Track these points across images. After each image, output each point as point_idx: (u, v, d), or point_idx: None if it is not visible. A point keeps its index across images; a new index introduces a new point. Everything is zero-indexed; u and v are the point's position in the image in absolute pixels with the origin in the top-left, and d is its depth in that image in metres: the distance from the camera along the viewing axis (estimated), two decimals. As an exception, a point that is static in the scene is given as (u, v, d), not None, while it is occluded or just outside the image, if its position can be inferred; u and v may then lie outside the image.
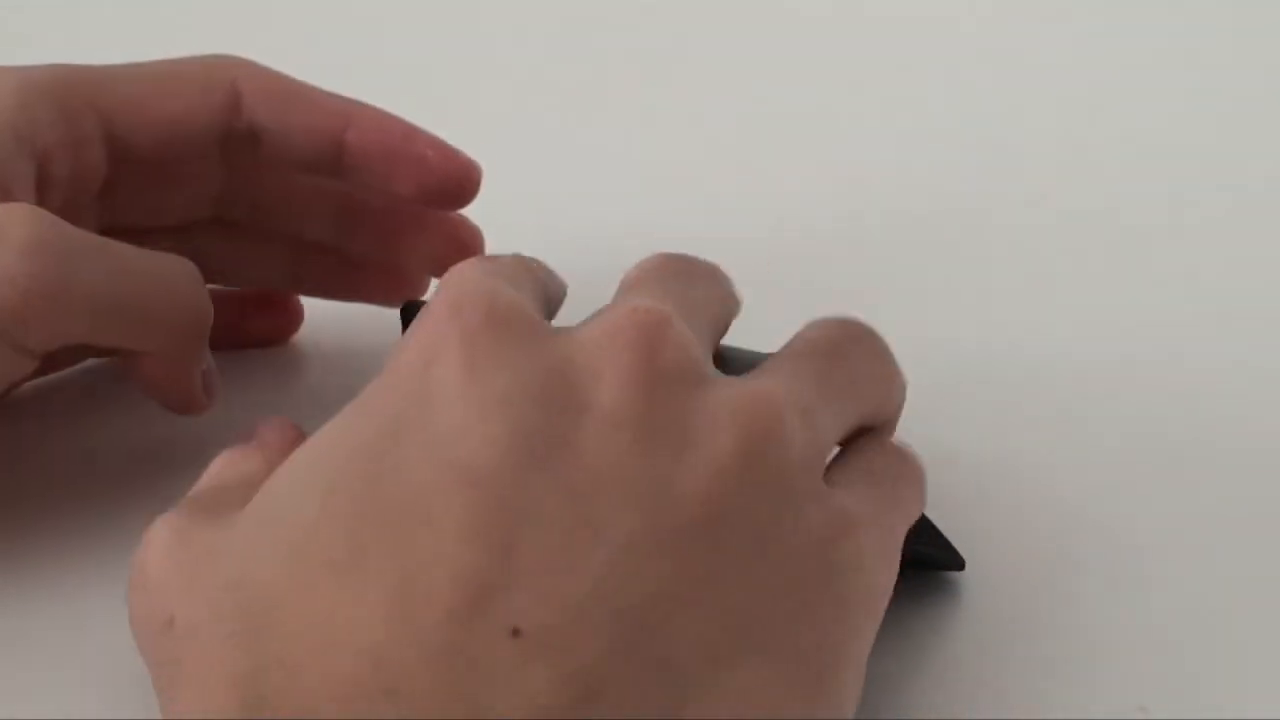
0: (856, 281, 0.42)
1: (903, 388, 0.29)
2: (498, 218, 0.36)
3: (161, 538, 0.25)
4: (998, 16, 0.60)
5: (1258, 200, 0.47)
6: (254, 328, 0.38)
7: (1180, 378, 0.38)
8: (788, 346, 0.28)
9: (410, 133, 0.35)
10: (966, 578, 0.30)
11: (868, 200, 0.47)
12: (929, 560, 0.30)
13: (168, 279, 0.31)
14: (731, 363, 0.26)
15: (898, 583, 0.26)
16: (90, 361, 0.37)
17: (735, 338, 0.30)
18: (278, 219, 0.36)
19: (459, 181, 0.35)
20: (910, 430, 0.30)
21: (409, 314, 0.31)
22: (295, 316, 0.39)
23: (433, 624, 0.21)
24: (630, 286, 0.27)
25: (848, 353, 0.28)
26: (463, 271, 0.27)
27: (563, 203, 0.46)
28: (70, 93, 0.32)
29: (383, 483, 0.23)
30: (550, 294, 0.29)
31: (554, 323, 0.27)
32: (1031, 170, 0.49)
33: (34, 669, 0.29)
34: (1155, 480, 0.34)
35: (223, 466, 0.28)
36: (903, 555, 0.27)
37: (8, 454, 0.34)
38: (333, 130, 0.34)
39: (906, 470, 0.28)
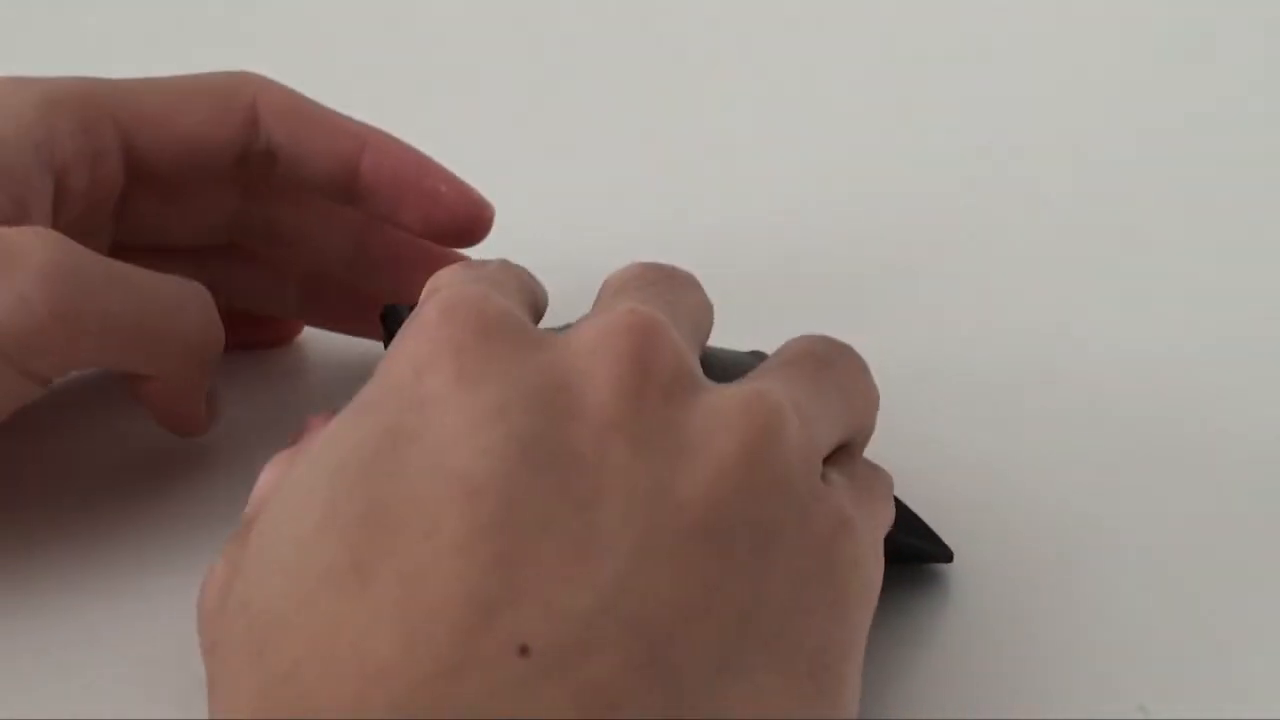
0: (854, 282, 0.42)
1: (877, 405, 0.29)
2: (496, 218, 0.36)
3: (216, 567, 0.25)
4: (998, 18, 0.60)
5: (1257, 201, 0.47)
6: (256, 332, 0.38)
7: (1179, 377, 0.38)
8: (775, 357, 0.28)
9: (425, 165, 0.35)
10: (964, 578, 0.31)
11: (864, 200, 0.47)
12: (918, 553, 0.30)
13: (181, 305, 0.31)
14: (712, 363, 0.26)
15: (891, 579, 0.26)
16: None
17: (733, 337, 0.30)
18: (291, 250, 0.36)
19: (471, 219, 0.35)
20: (909, 428, 0.30)
21: (390, 318, 0.31)
22: (297, 322, 0.39)
23: (441, 643, 0.20)
24: (613, 292, 0.27)
25: (835, 364, 0.28)
26: (449, 277, 0.27)
27: (554, 203, 0.46)
28: (90, 105, 0.32)
29: (379, 494, 0.22)
30: (536, 300, 0.29)
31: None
32: (1033, 169, 0.49)
33: (35, 670, 0.29)
34: (1155, 479, 0.34)
35: (270, 475, 0.27)
36: (892, 547, 0.27)
37: (7, 454, 0.34)
38: (348, 154, 0.34)
39: (879, 479, 0.28)
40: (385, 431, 0.23)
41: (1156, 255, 0.44)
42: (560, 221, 0.45)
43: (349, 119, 0.35)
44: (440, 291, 0.25)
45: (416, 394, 0.23)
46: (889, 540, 0.27)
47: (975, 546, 0.31)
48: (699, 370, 0.25)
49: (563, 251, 0.37)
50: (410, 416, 0.23)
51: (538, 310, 0.29)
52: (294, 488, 0.24)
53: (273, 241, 0.36)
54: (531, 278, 0.29)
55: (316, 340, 0.39)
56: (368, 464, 0.23)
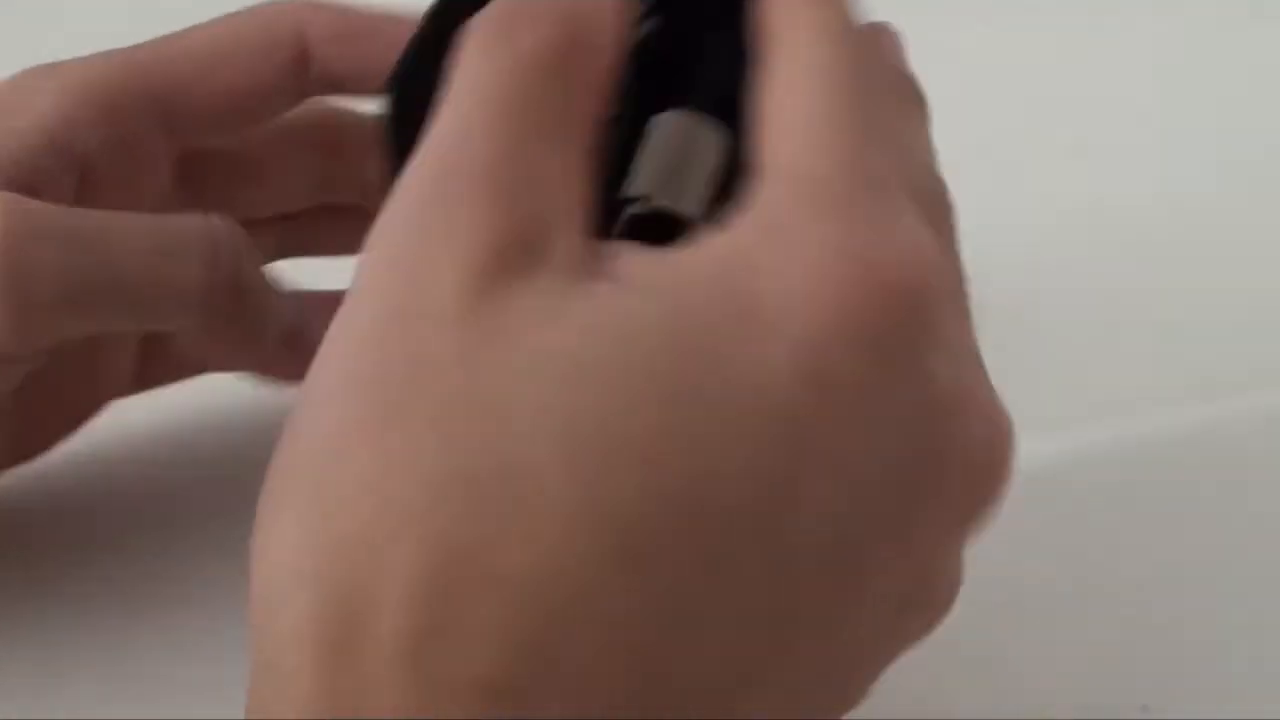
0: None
1: None
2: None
3: None
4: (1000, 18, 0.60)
5: (1257, 198, 0.47)
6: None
7: (1183, 378, 0.38)
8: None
9: None
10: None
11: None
12: None
13: (171, 249, 0.28)
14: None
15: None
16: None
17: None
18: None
19: None
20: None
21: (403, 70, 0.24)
22: None
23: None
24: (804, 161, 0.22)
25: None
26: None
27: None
28: (116, 88, 0.29)
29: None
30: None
31: None
32: (1034, 167, 0.49)
33: (35, 670, 0.29)
34: (1158, 479, 0.34)
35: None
36: None
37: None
38: None
39: None
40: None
41: (1156, 250, 0.44)
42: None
43: (402, 22, 0.28)
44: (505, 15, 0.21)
45: (449, 153, 0.20)
46: None
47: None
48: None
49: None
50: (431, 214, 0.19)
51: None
52: (339, 328, 0.20)
53: (366, 190, 0.31)
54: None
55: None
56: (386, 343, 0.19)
